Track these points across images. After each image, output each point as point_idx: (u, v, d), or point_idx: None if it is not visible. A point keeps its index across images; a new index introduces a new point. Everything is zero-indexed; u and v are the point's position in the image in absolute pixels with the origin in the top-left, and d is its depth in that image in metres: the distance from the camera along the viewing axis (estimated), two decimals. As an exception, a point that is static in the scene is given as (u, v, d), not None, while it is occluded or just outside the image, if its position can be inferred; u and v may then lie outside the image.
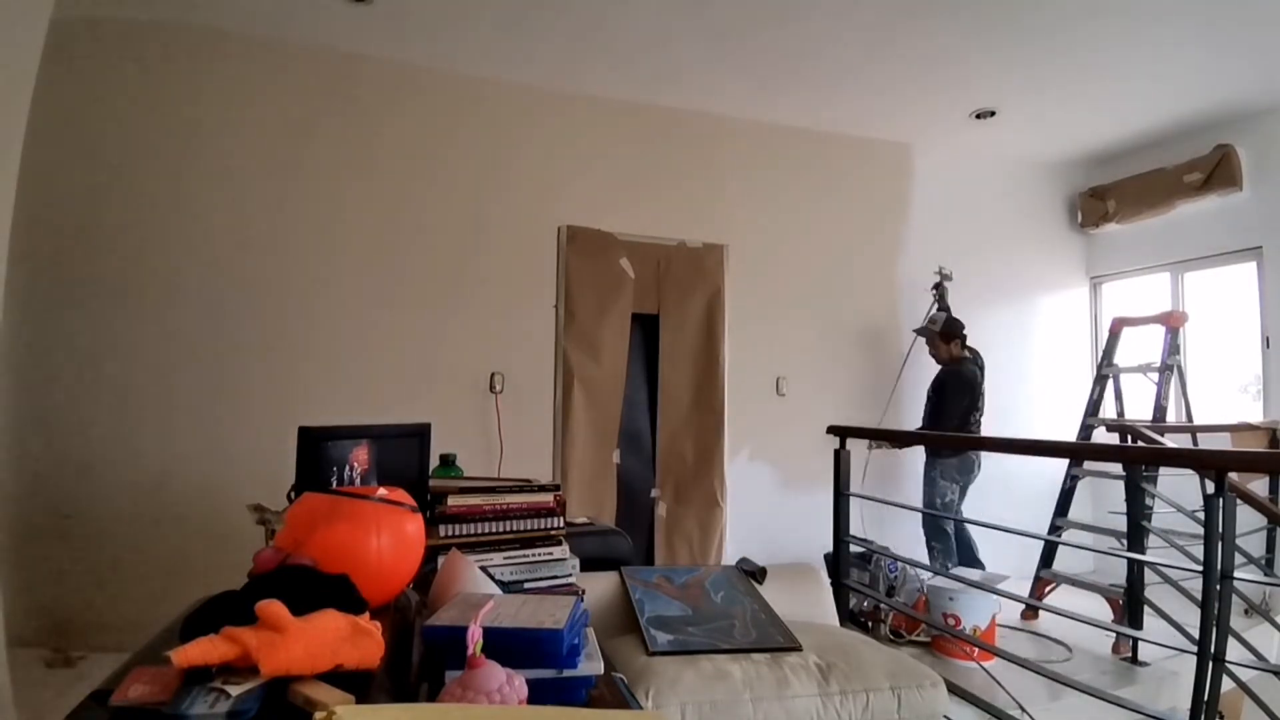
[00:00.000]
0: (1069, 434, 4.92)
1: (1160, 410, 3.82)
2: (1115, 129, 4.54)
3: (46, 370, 3.13)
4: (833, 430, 3.30)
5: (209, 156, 3.39)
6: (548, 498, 1.75)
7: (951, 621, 3.07)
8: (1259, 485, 3.50)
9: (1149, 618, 3.06)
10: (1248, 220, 4.25)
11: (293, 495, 1.42)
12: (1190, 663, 1.93)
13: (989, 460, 4.18)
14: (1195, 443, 3.73)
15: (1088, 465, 3.97)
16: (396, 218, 3.68)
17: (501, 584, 1.48)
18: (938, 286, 4.42)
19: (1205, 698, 1.86)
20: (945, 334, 4.16)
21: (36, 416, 3.11)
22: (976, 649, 2.94)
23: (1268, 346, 4.17)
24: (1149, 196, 4.63)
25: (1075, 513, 3.91)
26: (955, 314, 4.28)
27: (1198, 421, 3.93)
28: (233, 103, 3.44)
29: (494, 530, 1.67)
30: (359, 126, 3.64)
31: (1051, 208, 5.15)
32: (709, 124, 4.30)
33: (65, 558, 3.07)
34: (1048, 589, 3.75)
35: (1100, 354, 4.30)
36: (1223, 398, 4.52)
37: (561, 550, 1.72)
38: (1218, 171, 4.26)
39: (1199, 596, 1.92)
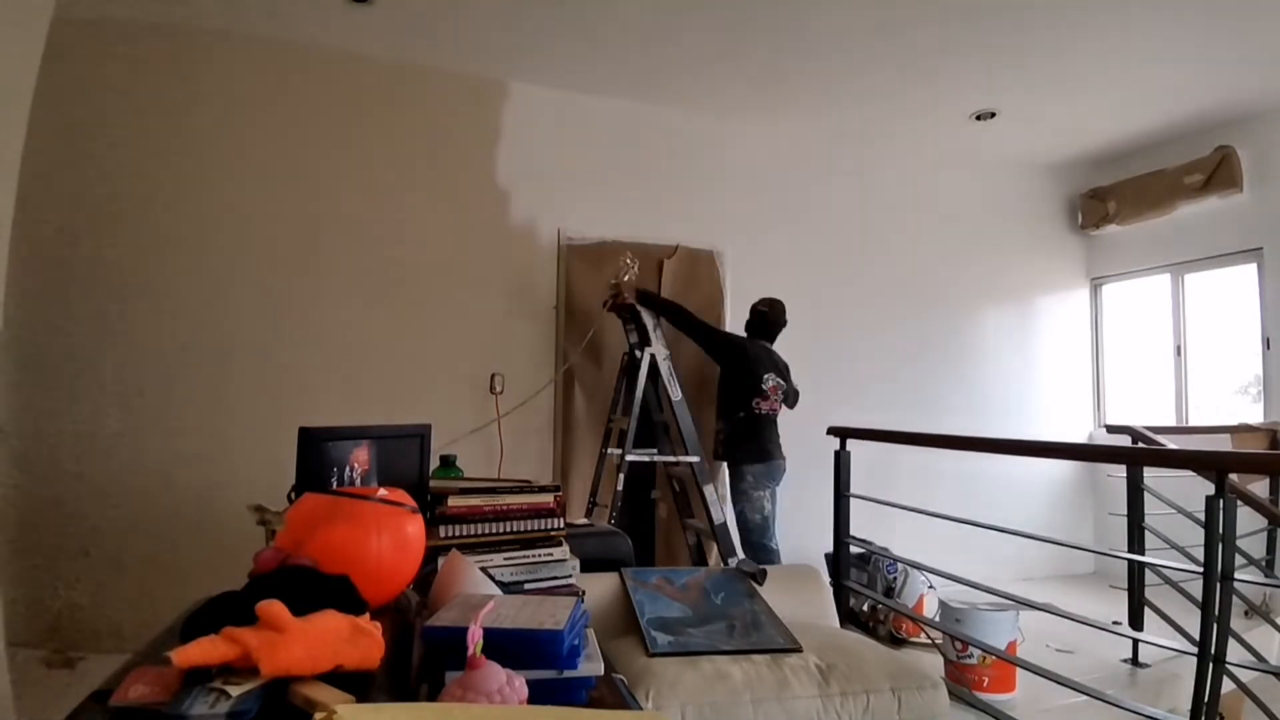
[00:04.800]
0: (1069, 435, 4.94)
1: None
2: (1115, 129, 4.54)
3: (46, 371, 3.12)
4: (833, 430, 3.30)
5: (208, 157, 3.39)
6: (548, 498, 1.75)
7: (959, 646, 2.82)
8: (1259, 486, 3.50)
9: (1150, 619, 3.06)
10: (1248, 221, 4.25)
11: (293, 496, 1.42)
12: (1190, 664, 1.93)
13: (990, 460, 4.17)
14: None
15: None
16: (397, 218, 3.67)
17: (502, 585, 1.48)
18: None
19: (1205, 699, 1.86)
20: None
21: (36, 417, 3.11)
22: (986, 679, 2.74)
23: (1268, 348, 4.17)
24: (1149, 198, 4.62)
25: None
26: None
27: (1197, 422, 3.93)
28: (232, 103, 3.44)
29: (494, 531, 1.67)
30: (359, 126, 3.63)
31: (1052, 209, 5.15)
32: (711, 127, 4.30)
33: (65, 558, 3.06)
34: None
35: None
36: (1222, 399, 4.52)
37: (562, 551, 1.71)
38: (1218, 173, 4.26)
39: (1199, 598, 1.92)
